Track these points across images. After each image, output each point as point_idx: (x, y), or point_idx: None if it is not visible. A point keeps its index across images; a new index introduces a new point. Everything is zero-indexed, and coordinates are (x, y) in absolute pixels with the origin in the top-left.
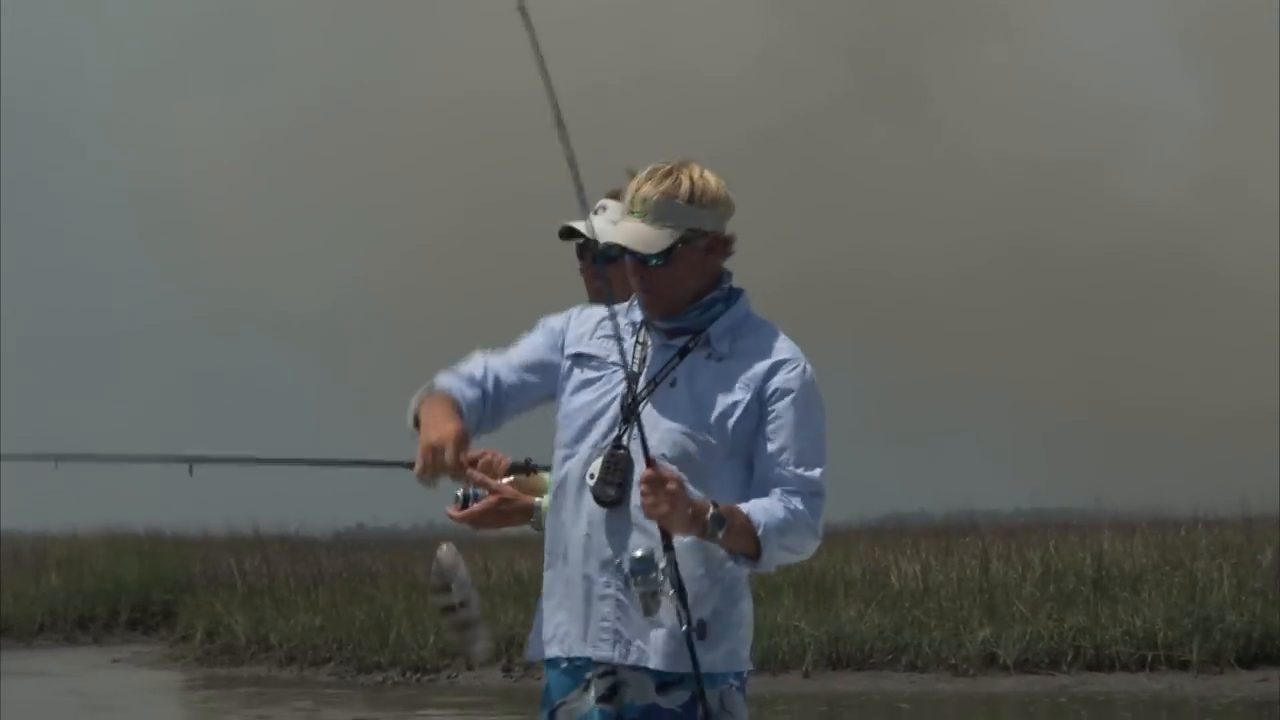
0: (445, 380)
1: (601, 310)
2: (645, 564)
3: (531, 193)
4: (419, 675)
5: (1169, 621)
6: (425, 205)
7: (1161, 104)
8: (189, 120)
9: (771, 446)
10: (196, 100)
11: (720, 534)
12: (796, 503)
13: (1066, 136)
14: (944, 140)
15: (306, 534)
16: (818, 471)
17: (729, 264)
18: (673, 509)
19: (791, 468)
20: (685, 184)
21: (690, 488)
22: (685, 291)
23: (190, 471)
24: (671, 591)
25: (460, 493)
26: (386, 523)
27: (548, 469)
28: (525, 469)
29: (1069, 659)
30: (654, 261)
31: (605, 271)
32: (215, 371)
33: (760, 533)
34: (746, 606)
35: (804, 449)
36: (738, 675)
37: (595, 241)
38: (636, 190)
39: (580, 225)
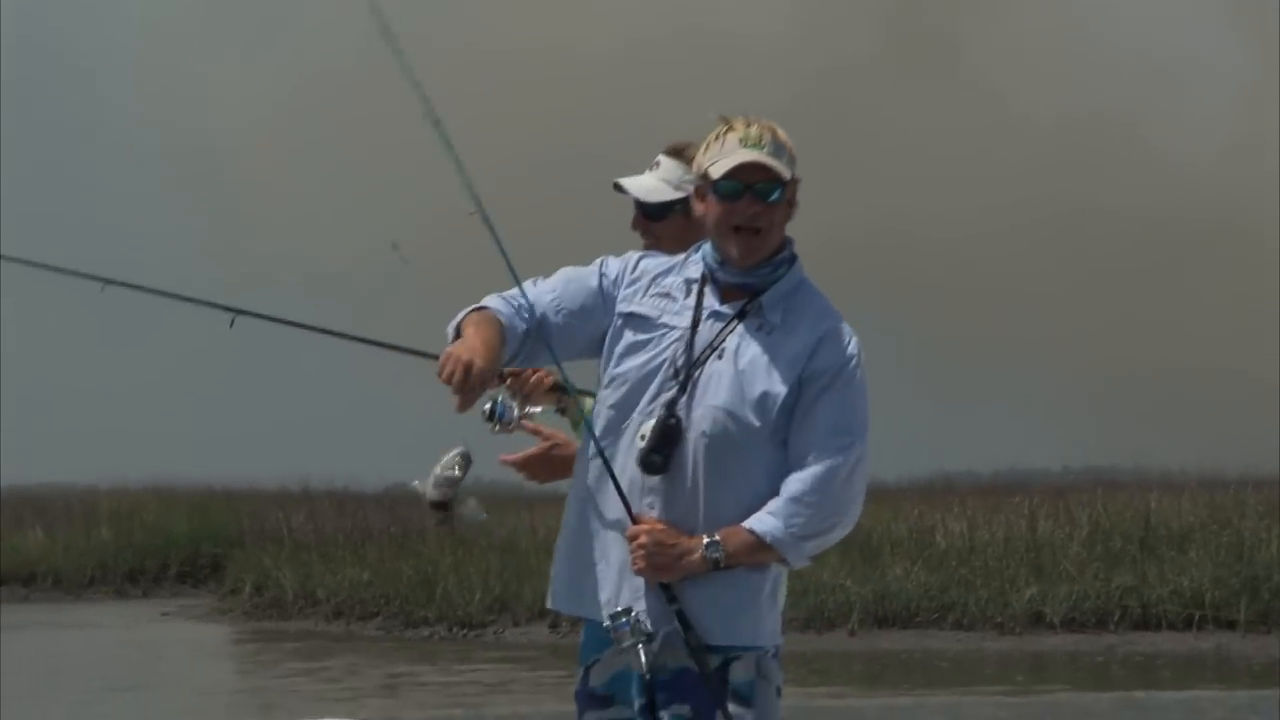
0: (496, 303)
1: (656, 264)
2: (617, 618)
3: (571, 151)
4: (465, 630)
5: (1216, 581)
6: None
7: (1206, 59)
8: (222, 74)
9: (809, 420)
10: (228, 55)
11: (721, 557)
12: (807, 478)
13: (1105, 93)
14: (980, 99)
15: (356, 489)
16: (852, 432)
17: None
18: (652, 564)
19: (824, 435)
20: (780, 133)
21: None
22: (775, 242)
23: (231, 325)
24: (641, 645)
25: (487, 407)
26: None
27: (591, 394)
28: (564, 390)
29: (1116, 618)
30: (774, 197)
31: (654, 229)
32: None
33: (769, 540)
34: (781, 580)
35: (839, 419)
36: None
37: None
38: (747, 128)
39: (628, 183)
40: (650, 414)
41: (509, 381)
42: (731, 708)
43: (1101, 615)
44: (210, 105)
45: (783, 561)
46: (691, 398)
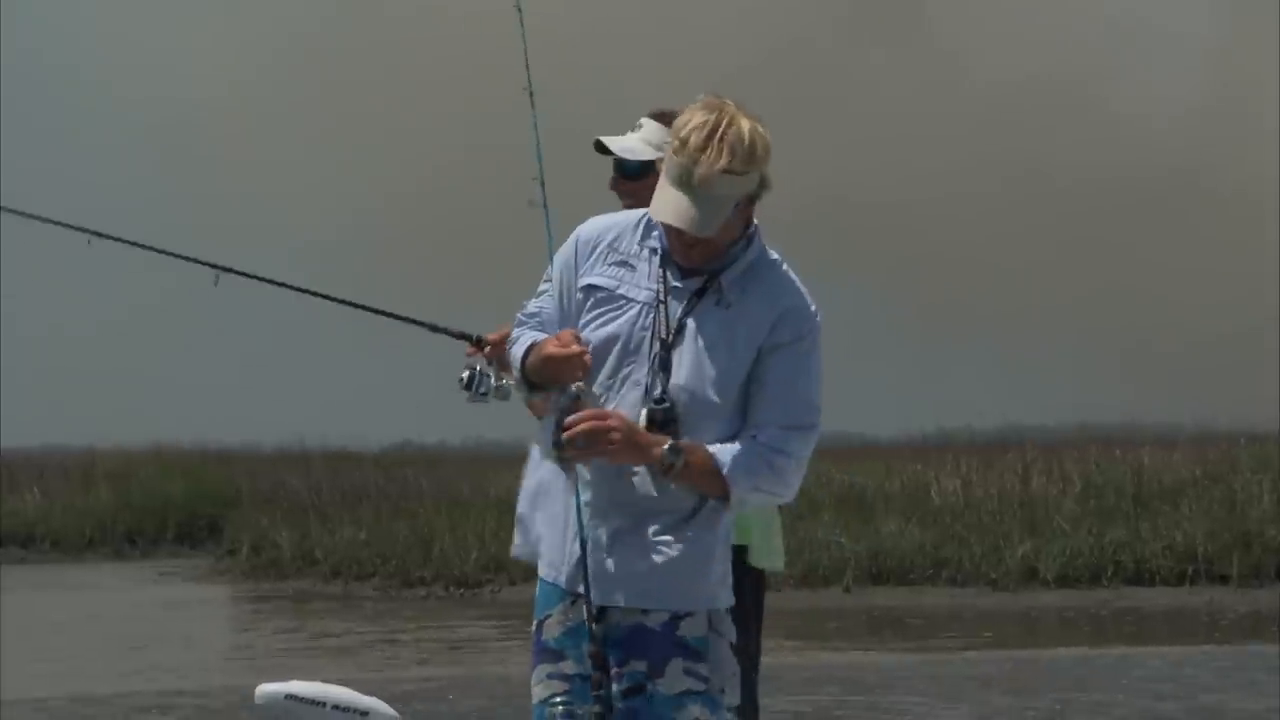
0: (533, 333)
1: (602, 225)
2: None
3: (554, 116)
4: (461, 590)
5: (1209, 536)
6: (441, 128)
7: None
8: (201, 44)
9: (763, 392)
10: (208, 24)
11: (677, 463)
12: (774, 436)
13: (1070, 56)
14: (943, 61)
15: (356, 449)
16: (805, 408)
17: None
18: (621, 447)
19: (779, 407)
20: (740, 152)
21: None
22: (723, 247)
23: (216, 282)
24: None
25: (465, 375)
26: (433, 439)
27: None
28: None
29: (1109, 573)
30: (706, 232)
31: (632, 187)
32: (234, 292)
33: (725, 471)
34: (729, 539)
35: (794, 392)
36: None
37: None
38: (692, 164)
39: (611, 142)
40: (611, 388)
41: (488, 350)
42: (685, 663)
43: (1095, 570)
44: (188, 76)
45: (722, 497)
46: (666, 377)
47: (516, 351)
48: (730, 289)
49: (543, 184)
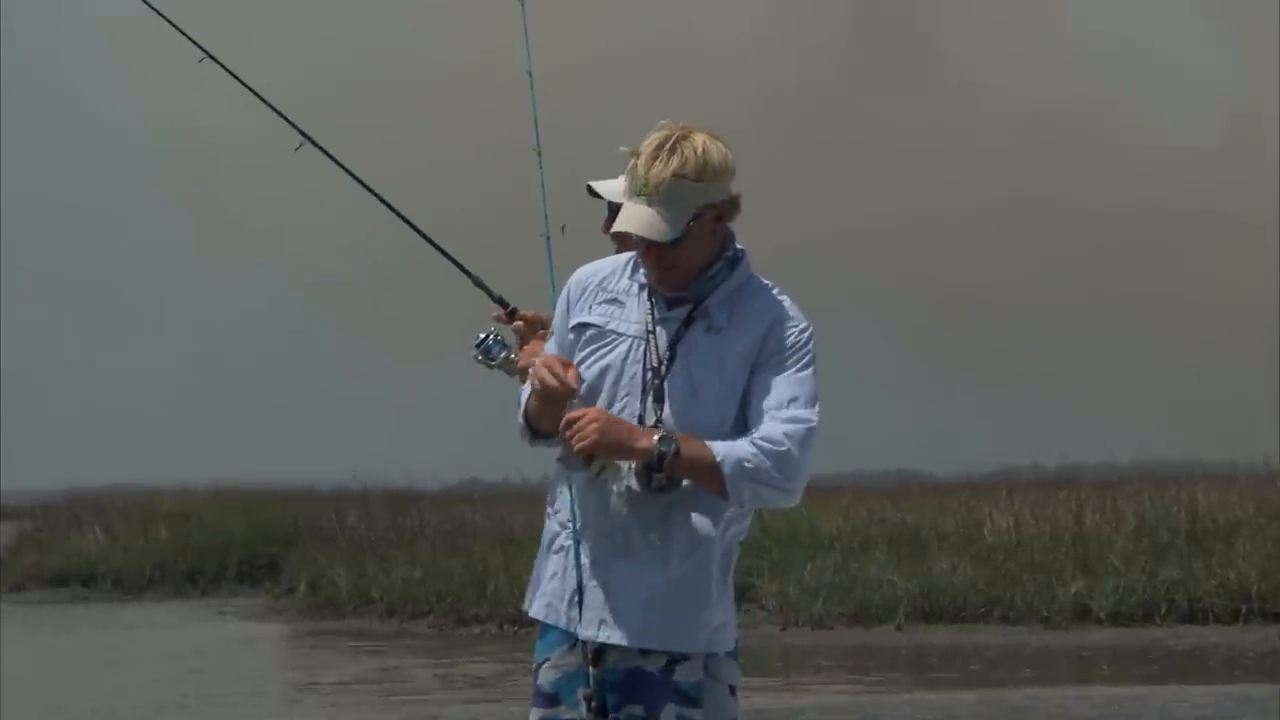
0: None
1: (592, 270)
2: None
3: (564, 156)
4: (516, 628)
5: (1263, 574)
6: (459, 165)
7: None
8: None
9: (759, 399)
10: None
11: (669, 452)
12: (771, 431)
13: (1084, 90)
14: (957, 97)
15: (418, 488)
16: (803, 403)
17: (744, 229)
18: (604, 437)
19: (775, 406)
20: (693, 159)
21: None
22: (696, 265)
23: (297, 148)
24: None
25: (482, 335)
26: (498, 477)
27: None
28: None
29: (1162, 611)
30: (671, 241)
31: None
32: (248, 328)
33: (719, 458)
34: (727, 582)
35: (789, 393)
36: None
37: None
38: (645, 171)
39: (601, 186)
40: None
41: (516, 325)
42: (679, 709)
43: (1148, 609)
44: (203, 103)
45: (720, 492)
46: (660, 411)
47: (520, 402)
48: (717, 313)
49: (549, 239)
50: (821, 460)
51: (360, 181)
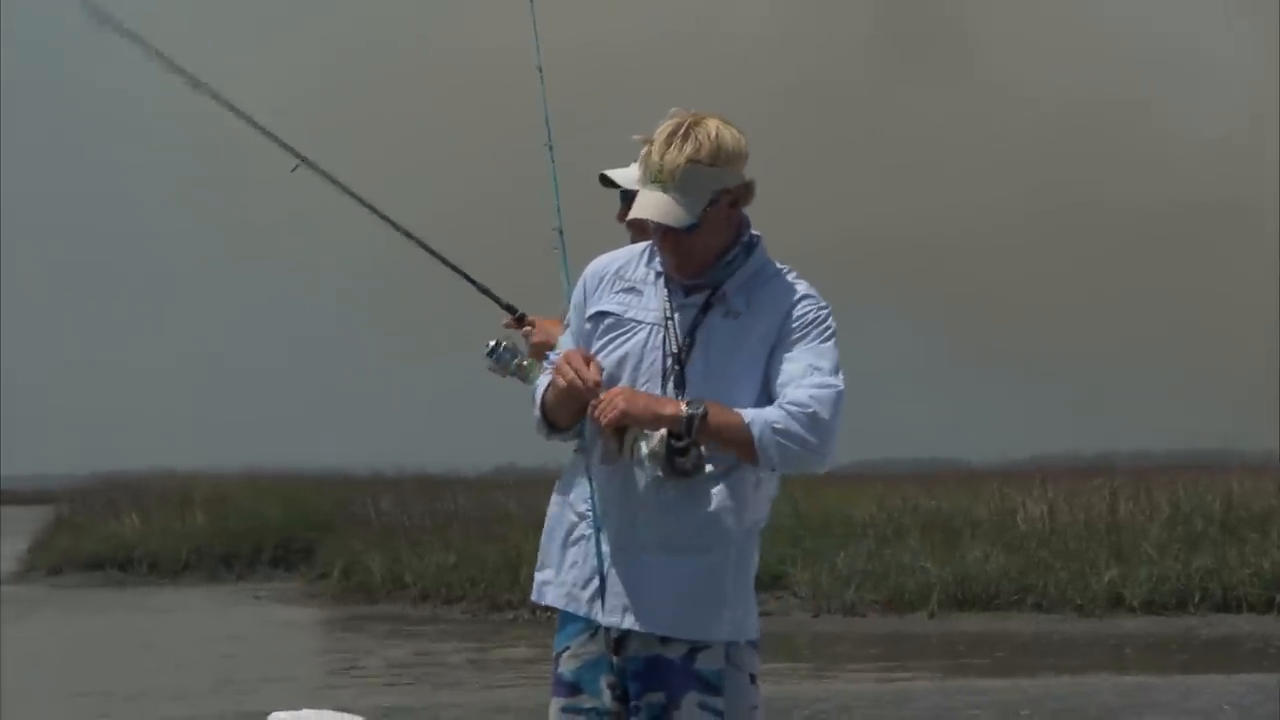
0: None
1: (608, 260)
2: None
3: (581, 145)
4: (549, 614)
5: None
6: (478, 157)
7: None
8: (248, 64)
9: (786, 366)
10: (253, 49)
11: (698, 414)
12: (800, 394)
13: (1116, 80)
14: (981, 85)
15: (455, 475)
16: (828, 371)
17: (759, 218)
18: (630, 405)
19: (804, 371)
20: (707, 144)
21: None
22: (713, 251)
23: (294, 169)
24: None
25: (493, 342)
26: (535, 463)
27: None
28: None
29: (1196, 600)
30: (687, 227)
31: (639, 220)
32: (274, 321)
33: (748, 420)
34: (748, 572)
35: (817, 360)
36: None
37: (631, 191)
38: (659, 158)
39: (616, 175)
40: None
41: (527, 331)
42: (701, 696)
43: (1182, 597)
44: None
45: (750, 456)
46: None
47: (536, 396)
48: (735, 298)
49: (561, 232)
50: (860, 448)
51: (357, 198)
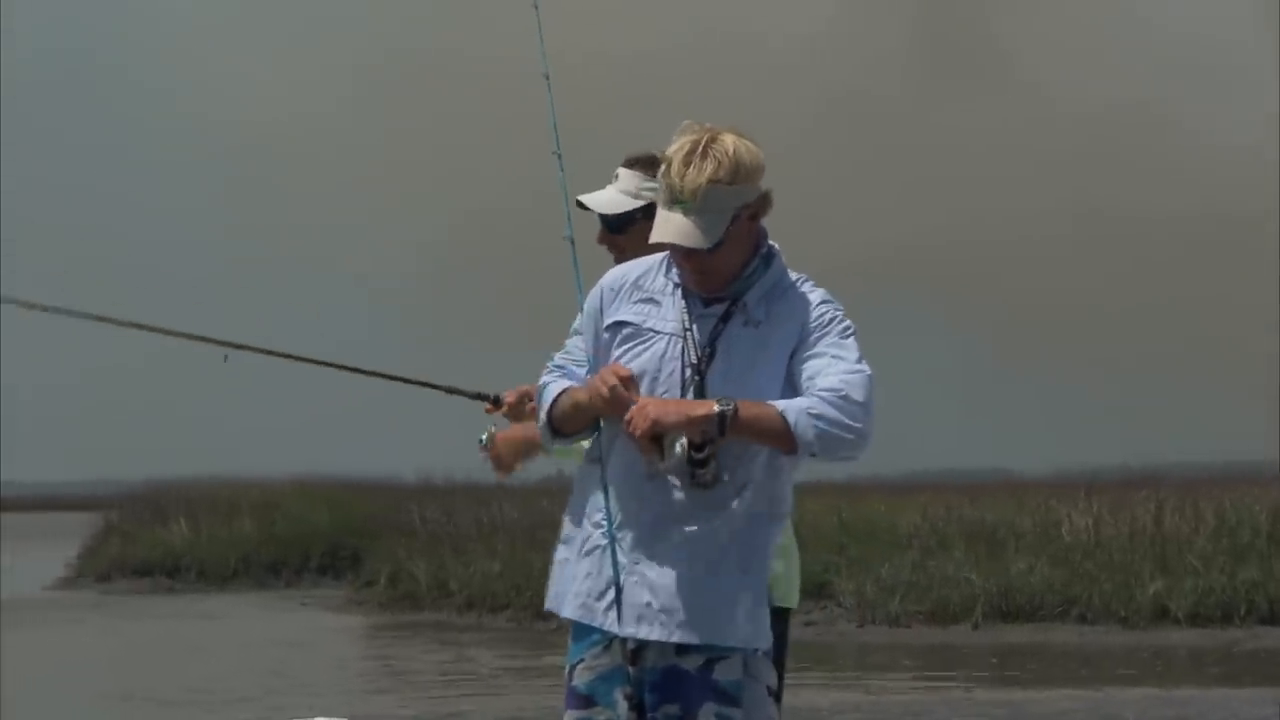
0: (563, 381)
1: (624, 271)
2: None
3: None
4: None
5: None
6: (503, 164)
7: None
8: (278, 71)
9: (811, 362)
10: (285, 53)
11: (729, 411)
12: (830, 381)
13: (1152, 86)
14: (1020, 95)
15: (499, 482)
16: (852, 360)
17: (778, 228)
18: (661, 410)
19: (825, 367)
20: (726, 162)
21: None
22: (735, 266)
23: (225, 359)
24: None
25: (484, 436)
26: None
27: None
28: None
29: (1242, 612)
30: (708, 248)
31: (618, 240)
32: (325, 328)
33: (782, 408)
34: (766, 582)
35: (836, 352)
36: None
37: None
38: (679, 180)
39: (589, 199)
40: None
41: (504, 410)
42: (718, 708)
43: (1227, 610)
44: (255, 102)
45: (788, 445)
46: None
47: (545, 399)
48: (755, 308)
49: (573, 241)
50: (904, 458)
51: (301, 359)
